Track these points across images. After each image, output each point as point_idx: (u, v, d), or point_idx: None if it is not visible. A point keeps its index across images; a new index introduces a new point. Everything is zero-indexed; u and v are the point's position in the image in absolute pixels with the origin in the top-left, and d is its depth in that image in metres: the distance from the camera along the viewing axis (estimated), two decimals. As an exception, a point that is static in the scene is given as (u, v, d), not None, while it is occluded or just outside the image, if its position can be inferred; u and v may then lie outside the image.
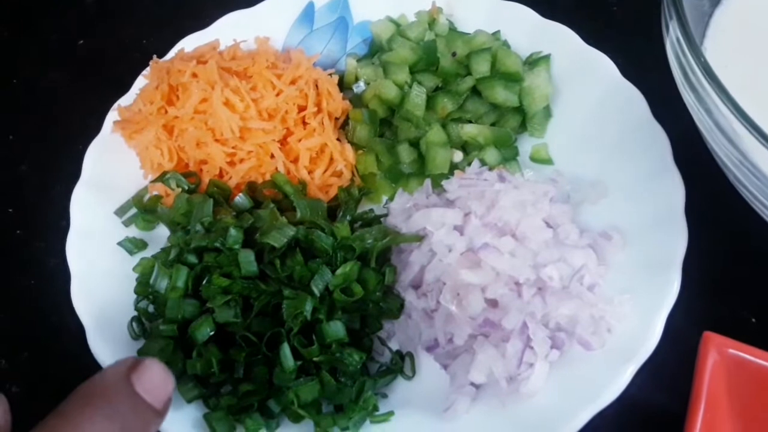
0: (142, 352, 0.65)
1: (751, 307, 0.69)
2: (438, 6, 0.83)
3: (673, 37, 0.61)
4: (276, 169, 0.74)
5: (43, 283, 0.75)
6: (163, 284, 0.65)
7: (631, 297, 0.65)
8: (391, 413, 0.63)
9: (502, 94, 0.76)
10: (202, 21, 0.86)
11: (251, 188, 0.74)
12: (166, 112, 0.74)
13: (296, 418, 0.63)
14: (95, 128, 0.80)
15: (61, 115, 0.88)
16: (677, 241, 0.67)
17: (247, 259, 0.64)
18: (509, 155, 0.76)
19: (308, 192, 0.74)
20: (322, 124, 0.76)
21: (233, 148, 0.73)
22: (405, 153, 0.76)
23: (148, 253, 0.73)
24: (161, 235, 0.74)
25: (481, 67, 0.77)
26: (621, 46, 0.79)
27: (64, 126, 0.86)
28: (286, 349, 0.61)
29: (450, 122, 0.76)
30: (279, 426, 0.63)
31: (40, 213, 0.80)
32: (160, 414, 0.47)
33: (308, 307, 0.62)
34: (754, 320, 0.69)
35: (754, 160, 0.56)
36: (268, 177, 0.74)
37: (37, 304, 0.75)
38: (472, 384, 0.63)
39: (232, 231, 0.65)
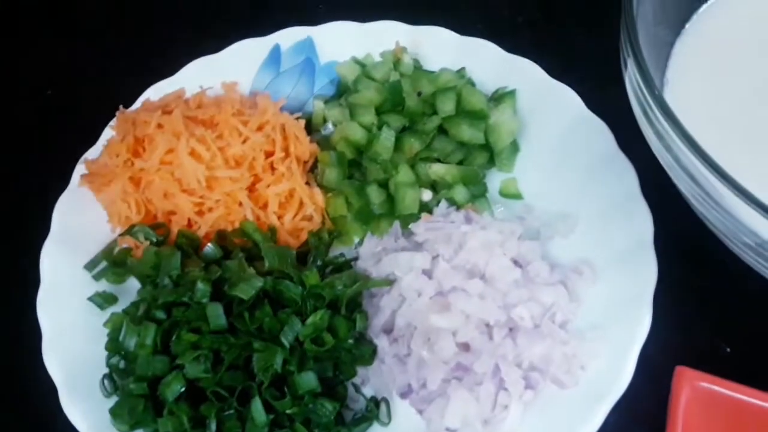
0: (114, 412, 0.64)
1: (724, 336, 0.69)
2: (402, 45, 0.84)
3: (631, 75, 0.61)
4: (245, 216, 0.74)
5: (13, 341, 0.74)
6: (132, 342, 0.65)
7: (604, 333, 0.65)
8: (368, 462, 0.63)
9: (467, 133, 0.76)
10: (170, 68, 0.86)
11: (221, 237, 0.74)
12: (133, 164, 0.74)
13: (271, 473, 0.62)
14: (64, 181, 0.79)
15: (30, 168, 0.87)
16: (647, 274, 0.67)
17: (215, 313, 0.64)
18: (478, 192, 0.76)
19: (278, 237, 0.74)
20: (290, 169, 0.76)
21: (201, 197, 0.73)
22: (374, 194, 0.76)
23: (119, 306, 0.72)
24: (133, 286, 0.74)
25: (447, 106, 0.77)
26: (585, 79, 0.80)
27: (32, 179, 0.86)
28: (257, 404, 0.61)
29: (418, 162, 0.76)
30: (254, 482, 0.62)
31: (9, 269, 0.80)
32: None
33: (278, 360, 0.62)
34: (728, 349, 0.69)
35: (716, 197, 0.56)
36: (237, 224, 0.74)
37: (7, 362, 0.74)
38: (448, 429, 0.63)
39: (200, 285, 0.65)
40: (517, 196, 0.77)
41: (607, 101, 0.76)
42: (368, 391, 0.67)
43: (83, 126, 0.84)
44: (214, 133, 0.74)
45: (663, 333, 0.66)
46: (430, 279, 0.66)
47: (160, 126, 0.74)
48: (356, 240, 0.77)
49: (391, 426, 0.66)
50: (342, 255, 0.74)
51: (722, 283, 0.71)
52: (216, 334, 0.64)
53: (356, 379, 0.68)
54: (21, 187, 0.86)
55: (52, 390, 0.68)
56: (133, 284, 0.74)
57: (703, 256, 0.70)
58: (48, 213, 0.78)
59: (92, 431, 0.65)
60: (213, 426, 0.62)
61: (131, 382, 0.64)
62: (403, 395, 0.65)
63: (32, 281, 0.74)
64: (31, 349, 0.71)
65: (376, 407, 0.66)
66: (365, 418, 0.65)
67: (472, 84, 0.81)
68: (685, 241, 0.70)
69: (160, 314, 0.66)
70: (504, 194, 0.77)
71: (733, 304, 0.70)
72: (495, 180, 0.78)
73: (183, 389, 0.62)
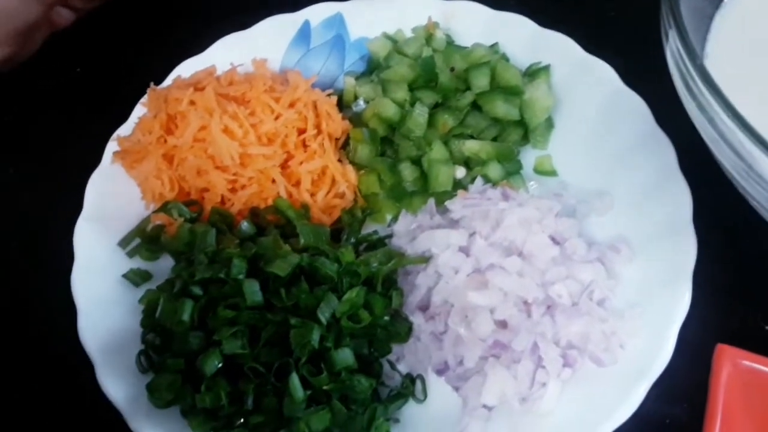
0: (151, 387, 0.64)
1: (765, 315, 0.68)
2: (434, 21, 0.83)
3: (672, 47, 0.60)
4: (278, 194, 0.73)
5: (49, 319, 0.75)
6: (168, 318, 0.65)
7: (643, 311, 0.65)
8: (403, 439, 0.63)
9: (502, 108, 0.75)
10: (198, 44, 0.86)
11: (254, 214, 0.73)
12: (166, 141, 0.74)
13: (308, 448, 0.62)
14: (96, 159, 0.79)
15: (61, 146, 0.88)
16: (687, 251, 0.66)
17: (252, 289, 0.64)
18: (512, 169, 0.75)
19: (311, 215, 0.74)
20: (323, 146, 0.75)
21: (234, 174, 0.73)
22: (407, 171, 0.75)
23: (153, 283, 0.73)
24: (166, 264, 0.74)
25: (481, 81, 0.76)
26: (621, 53, 0.78)
27: (64, 157, 0.86)
28: (295, 380, 0.61)
29: (451, 138, 0.76)
30: (291, 457, 0.62)
31: (43, 247, 0.80)
32: None
33: (315, 336, 0.62)
34: (768, 328, 0.68)
35: (760, 170, 0.55)
36: (270, 202, 0.74)
37: (44, 340, 0.75)
38: (485, 406, 0.63)
39: (236, 262, 0.65)
40: (552, 173, 0.76)
41: (644, 76, 0.75)
42: (403, 368, 0.67)
43: (113, 103, 0.84)
44: (246, 110, 0.74)
45: (703, 311, 0.65)
46: (467, 256, 0.65)
47: (192, 103, 0.74)
48: (389, 218, 0.76)
49: (427, 403, 0.66)
50: (376, 232, 0.73)
51: (764, 261, 0.69)
52: (253, 310, 0.64)
53: (391, 357, 0.67)
54: (53, 165, 0.86)
55: (87, 366, 0.68)
56: (166, 263, 0.74)
57: (743, 234, 0.69)
58: (81, 191, 0.78)
59: (130, 406, 0.65)
60: (250, 401, 0.62)
61: (168, 358, 0.64)
62: (440, 372, 0.65)
63: (67, 259, 0.74)
64: (66, 325, 0.71)
65: (411, 384, 0.66)
66: (401, 395, 0.65)
67: (506, 59, 0.79)
68: (725, 219, 0.69)
69: (197, 290, 0.66)
70: (538, 171, 0.76)
71: (775, 282, 0.69)
72: (529, 157, 0.77)
73: (220, 365, 0.62)
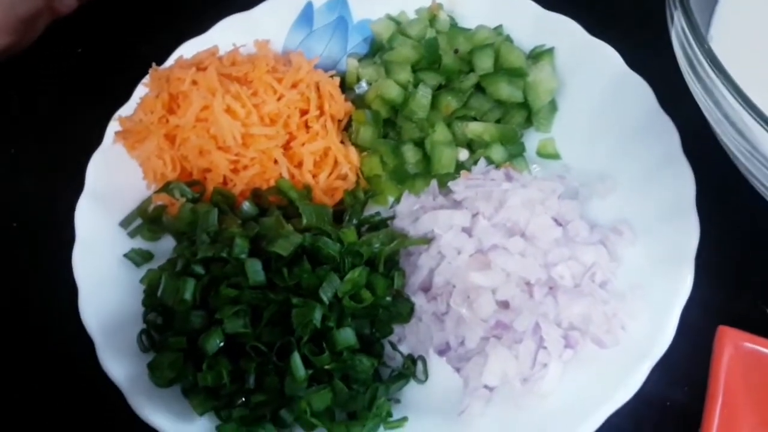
0: (153, 366, 0.64)
1: (765, 297, 0.68)
2: (438, 2, 0.82)
3: (678, 28, 0.60)
4: (280, 174, 0.73)
5: (49, 298, 0.75)
6: (170, 297, 0.65)
7: (644, 293, 0.65)
8: (405, 419, 0.63)
9: (506, 90, 0.75)
10: (200, 25, 0.85)
11: (256, 195, 0.73)
12: (167, 121, 0.73)
13: (309, 427, 0.62)
14: (97, 138, 0.79)
15: (62, 127, 0.87)
16: (689, 233, 0.66)
17: (254, 269, 0.64)
18: (515, 151, 0.75)
19: (313, 196, 0.74)
20: (325, 127, 0.75)
21: (236, 155, 0.73)
22: (410, 153, 0.75)
23: (154, 264, 0.73)
24: (167, 246, 0.74)
25: (484, 63, 0.76)
26: (625, 36, 0.78)
27: (65, 137, 0.86)
28: (296, 359, 0.61)
29: (455, 120, 0.75)
30: (292, 435, 0.63)
31: (44, 227, 0.80)
32: None
33: (317, 316, 0.62)
34: (770, 311, 0.68)
35: (764, 150, 0.55)
36: (272, 183, 0.73)
37: (44, 319, 0.75)
38: (486, 386, 0.63)
39: (238, 241, 0.65)
40: (555, 156, 0.75)
41: (648, 59, 0.75)
42: (405, 349, 0.67)
43: (114, 85, 0.83)
44: (248, 90, 0.74)
45: (705, 294, 0.66)
46: (470, 237, 0.65)
47: (194, 83, 0.73)
48: (391, 200, 0.76)
49: (428, 384, 0.66)
50: (378, 214, 0.73)
51: (765, 245, 0.69)
52: (255, 289, 0.64)
53: (393, 337, 0.67)
54: (54, 146, 0.86)
55: (88, 345, 0.68)
56: (167, 245, 0.74)
57: (746, 218, 0.69)
58: (82, 171, 0.77)
59: (130, 385, 0.65)
60: (252, 380, 0.62)
61: (170, 336, 0.64)
62: (441, 353, 0.65)
63: (69, 239, 0.74)
64: (67, 305, 0.71)
65: (413, 365, 0.66)
66: (402, 375, 0.65)
67: (510, 41, 0.79)
68: (728, 202, 0.69)
69: (199, 269, 0.65)
70: (541, 154, 0.76)
71: (777, 266, 0.69)
72: (532, 140, 0.77)
73: (222, 344, 0.62)
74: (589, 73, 0.77)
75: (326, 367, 0.62)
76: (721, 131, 0.59)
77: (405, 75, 0.77)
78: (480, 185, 0.68)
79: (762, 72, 0.63)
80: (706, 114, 0.60)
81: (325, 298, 0.63)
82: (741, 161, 0.60)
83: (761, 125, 0.52)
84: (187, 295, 0.64)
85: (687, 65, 0.60)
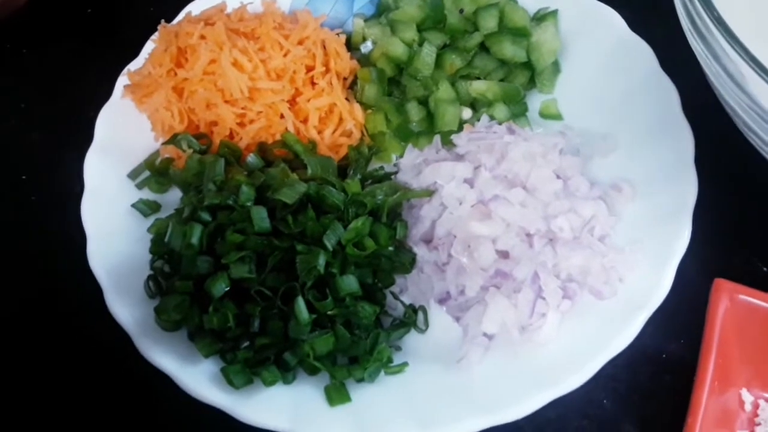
0: (160, 309, 0.65)
1: (761, 255, 0.69)
2: (444, -37, 0.83)
3: (679, -18, 0.61)
4: (286, 129, 0.74)
5: (59, 247, 0.76)
6: (177, 242, 0.66)
7: (642, 246, 0.66)
8: (405, 364, 0.64)
9: (510, 50, 0.76)
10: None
11: (262, 149, 0.74)
12: (176, 74, 0.75)
13: (312, 371, 0.64)
14: (106, 94, 0.80)
15: (72, 82, 0.88)
16: (687, 190, 0.67)
17: (260, 216, 0.65)
18: (518, 111, 0.76)
19: (318, 152, 0.75)
20: (331, 84, 0.76)
21: (243, 108, 0.74)
22: (414, 111, 0.76)
23: (162, 215, 0.74)
24: (174, 199, 0.75)
25: (489, 23, 0.77)
26: (629, 1, 0.79)
27: (75, 92, 0.87)
28: (300, 303, 0.62)
29: (459, 79, 0.76)
30: (295, 378, 0.64)
31: (53, 178, 0.81)
32: None
33: (321, 262, 0.63)
34: (765, 269, 0.69)
35: (763, 103, 0.56)
36: (278, 137, 0.75)
37: (53, 267, 0.76)
38: (485, 335, 0.64)
39: (245, 188, 0.66)
40: (557, 117, 0.76)
41: (650, 23, 0.76)
42: (406, 299, 0.69)
43: (123, 42, 0.84)
44: (255, 45, 0.75)
45: (701, 250, 0.67)
46: (471, 188, 0.66)
47: (202, 37, 0.74)
48: (394, 157, 0.77)
49: (428, 333, 0.67)
50: (382, 168, 0.74)
51: (763, 204, 0.70)
52: (260, 236, 0.65)
53: (395, 288, 0.69)
54: (64, 101, 0.87)
55: (97, 291, 0.69)
56: (174, 197, 0.75)
57: (745, 176, 0.71)
58: (91, 125, 0.79)
59: (138, 329, 0.66)
60: (256, 323, 0.63)
61: (177, 280, 0.65)
62: (441, 302, 0.66)
63: (78, 191, 0.75)
64: (75, 253, 0.72)
65: (414, 314, 0.67)
66: (403, 324, 0.66)
67: (515, 1, 0.80)
68: (726, 161, 0.71)
69: (206, 216, 0.67)
70: (544, 115, 0.77)
71: (772, 224, 0.70)
72: (535, 101, 0.78)
73: (228, 288, 0.64)
74: (593, 35, 0.78)
75: (329, 312, 0.63)
76: (720, 86, 0.60)
77: (410, 34, 0.78)
78: (482, 138, 0.69)
79: (759, 24, 0.64)
80: (706, 69, 0.61)
81: (329, 245, 0.64)
82: (740, 116, 0.60)
83: (759, 74, 0.53)
84: (194, 240, 0.65)
85: (688, 21, 0.60)
